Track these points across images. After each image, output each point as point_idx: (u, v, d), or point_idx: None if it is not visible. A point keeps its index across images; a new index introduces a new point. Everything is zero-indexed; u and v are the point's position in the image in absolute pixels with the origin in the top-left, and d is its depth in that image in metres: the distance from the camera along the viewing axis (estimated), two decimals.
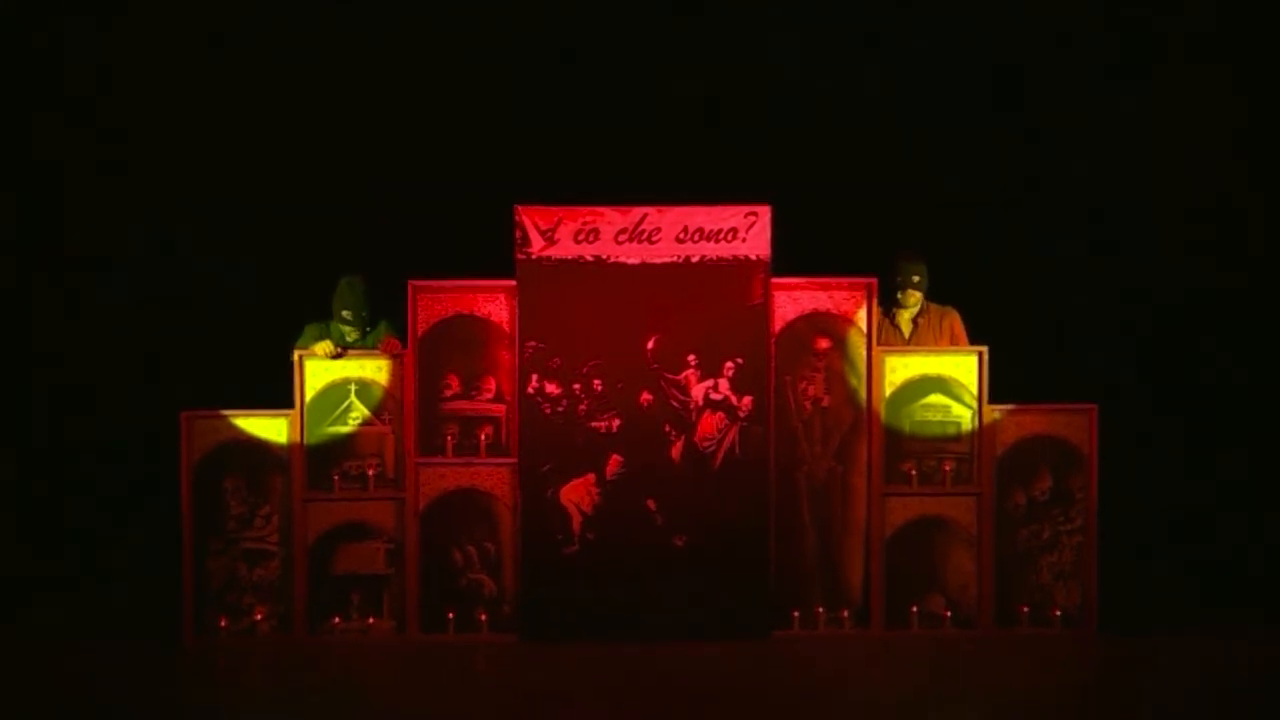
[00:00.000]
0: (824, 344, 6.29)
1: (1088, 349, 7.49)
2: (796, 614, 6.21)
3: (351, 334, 6.37)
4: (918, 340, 6.45)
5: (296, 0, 7.33)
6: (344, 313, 6.37)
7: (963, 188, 7.44)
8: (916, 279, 6.41)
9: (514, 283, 6.18)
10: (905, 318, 6.47)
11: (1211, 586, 6.96)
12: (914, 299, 6.43)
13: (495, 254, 6.24)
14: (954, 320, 6.48)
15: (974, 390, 6.26)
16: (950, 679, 5.60)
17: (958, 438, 6.29)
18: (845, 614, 6.24)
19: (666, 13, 7.38)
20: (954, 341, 6.42)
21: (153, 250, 7.47)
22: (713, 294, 6.16)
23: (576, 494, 6.18)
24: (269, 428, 6.20)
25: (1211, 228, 7.44)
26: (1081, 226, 7.58)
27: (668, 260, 6.17)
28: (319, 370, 6.24)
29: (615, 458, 6.17)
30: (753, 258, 6.18)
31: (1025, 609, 6.22)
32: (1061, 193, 7.54)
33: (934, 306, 6.50)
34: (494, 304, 6.25)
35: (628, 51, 7.40)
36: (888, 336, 6.40)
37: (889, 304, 6.46)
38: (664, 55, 7.41)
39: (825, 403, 6.28)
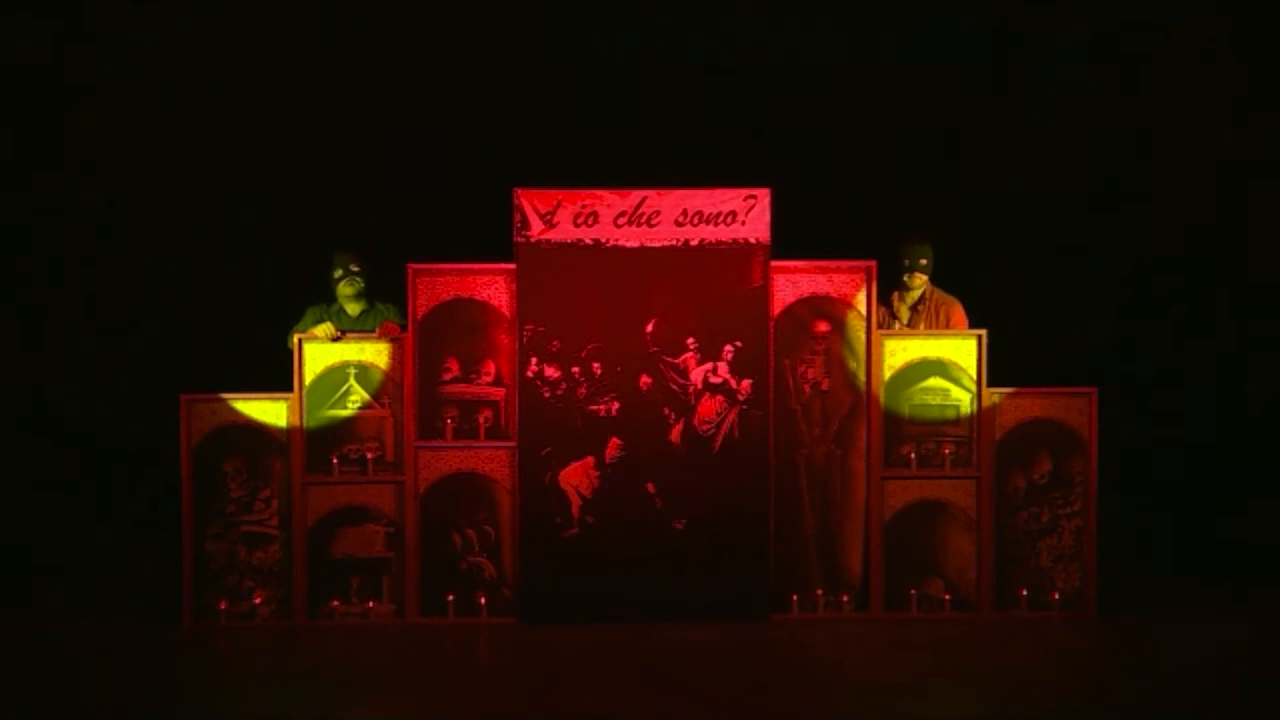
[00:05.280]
0: (823, 327, 6.27)
1: (1087, 332, 7.49)
2: (796, 597, 6.22)
3: (353, 307, 6.36)
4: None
5: None
6: (351, 266, 6.32)
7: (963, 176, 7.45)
8: (924, 262, 6.35)
9: (513, 266, 6.18)
10: (906, 306, 6.43)
11: (1210, 569, 6.97)
12: (920, 282, 6.37)
13: (494, 237, 6.23)
14: (954, 311, 6.40)
15: (973, 374, 6.26)
16: (949, 662, 5.59)
17: (957, 421, 6.28)
18: (844, 597, 6.25)
19: None
20: None
21: (152, 232, 7.47)
22: (712, 277, 6.15)
23: (576, 477, 6.18)
24: (268, 411, 6.20)
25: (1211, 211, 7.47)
26: (1080, 212, 7.59)
27: (667, 243, 6.16)
28: (318, 354, 6.23)
29: (614, 441, 6.17)
30: (752, 241, 6.17)
31: (1024, 592, 6.23)
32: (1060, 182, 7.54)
33: (936, 294, 6.43)
34: (493, 287, 6.24)
35: (628, 34, 7.38)
36: (887, 327, 6.37)
37: (890, 290, 6.42)
38: (665, 39, 7.40)
39: (824, 386, 6.27)
